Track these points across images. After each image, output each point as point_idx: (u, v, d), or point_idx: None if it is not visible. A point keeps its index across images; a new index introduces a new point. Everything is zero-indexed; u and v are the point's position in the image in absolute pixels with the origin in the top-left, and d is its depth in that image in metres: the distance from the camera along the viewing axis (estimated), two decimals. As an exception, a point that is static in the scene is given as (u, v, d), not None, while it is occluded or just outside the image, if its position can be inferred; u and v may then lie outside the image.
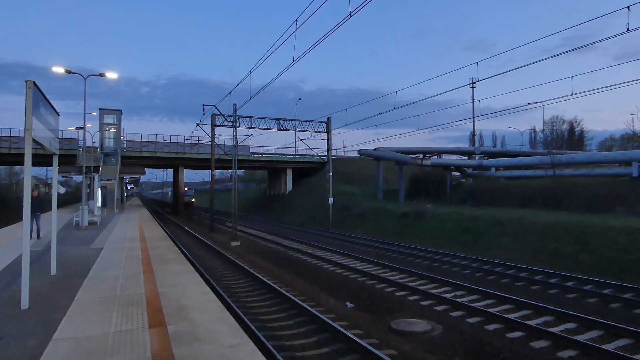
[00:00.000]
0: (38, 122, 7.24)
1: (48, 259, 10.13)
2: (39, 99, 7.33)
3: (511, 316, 9.37)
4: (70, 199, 59.71)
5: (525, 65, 22.76)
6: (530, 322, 8.88)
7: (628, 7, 14.11)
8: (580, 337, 7.94)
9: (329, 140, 34.71)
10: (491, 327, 8.80)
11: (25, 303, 6.95)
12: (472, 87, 50.15)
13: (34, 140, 6.99)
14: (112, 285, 8.56)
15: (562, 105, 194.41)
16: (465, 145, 69.07)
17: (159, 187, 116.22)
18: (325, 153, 35.58)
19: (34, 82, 6.97)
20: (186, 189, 58.25)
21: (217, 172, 55.23)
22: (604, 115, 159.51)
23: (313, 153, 40.61)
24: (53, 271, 9.74)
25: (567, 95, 20.58)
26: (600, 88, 36.86)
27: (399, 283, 12.61)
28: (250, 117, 32.44)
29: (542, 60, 30.25)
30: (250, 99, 25.95)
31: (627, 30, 14.18)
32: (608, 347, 7.49)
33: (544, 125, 62.71)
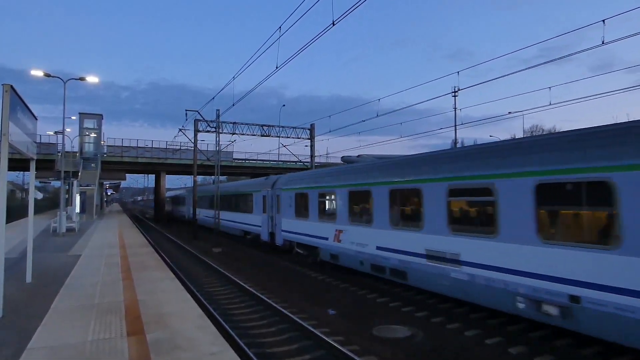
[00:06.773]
0: (15, 127, 7.14)
1: (24, 266, 9.92)
2: (16, 103, 7.22)
3: (490, 322, 9.50)
4: (47, 205, 58.43)
5: (504, 75, 23.32)
6: (508, 328, 9.03)
7: (603, 20, 14.60)
8: (559, 342, 8.10)
9: (312, 146, 34.77)
10: (470, 333, 8.90)
11: (-1, 311, 6.80)
12: (455, 96, 50.87)
13: (10, 144, 6.88)
14: (90, 292, 8.43)
15: (540, 115, 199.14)
16: (447, 152, 69.85)
17: (140, 193, 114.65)
18: (309, 159, 35.64)
19: (11, 86, 6.88)
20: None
21: (199, 178, 54.70)
22: (581, 124, 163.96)
23: (296, 159, 40.63)
24: (29, 279, 9.54)
25: (545, 105, 21.13)
26: (577, 99, 37.84)
27: (381, 289, 12.68)
28: (234, 123, 32.32)
29: (521, 70, 31.07)
30: (233, 104, 25.89)
31: (603, 42, 14.65)
32: (586, 352, 7.65)
33: (524, 134, 64.09)
